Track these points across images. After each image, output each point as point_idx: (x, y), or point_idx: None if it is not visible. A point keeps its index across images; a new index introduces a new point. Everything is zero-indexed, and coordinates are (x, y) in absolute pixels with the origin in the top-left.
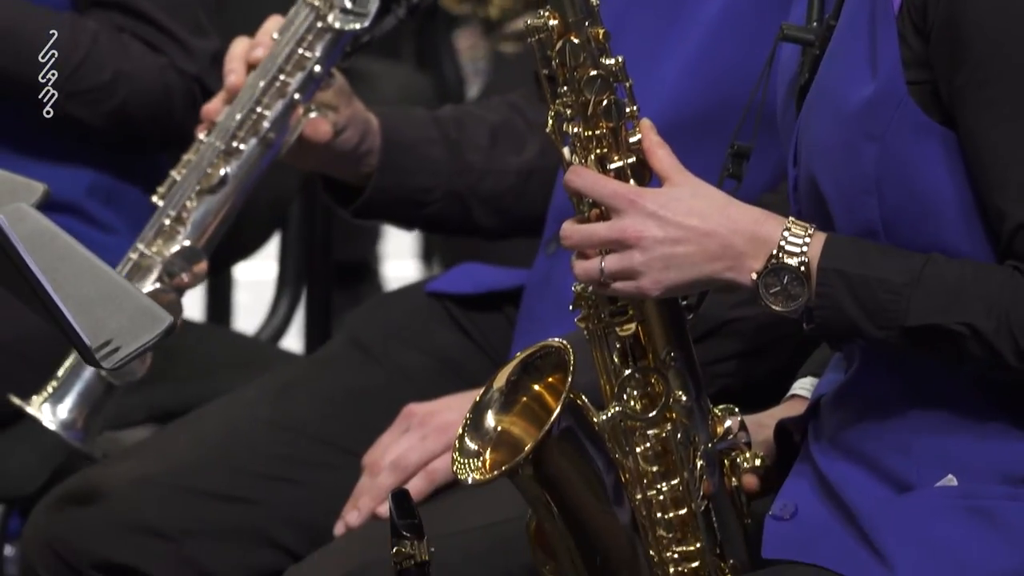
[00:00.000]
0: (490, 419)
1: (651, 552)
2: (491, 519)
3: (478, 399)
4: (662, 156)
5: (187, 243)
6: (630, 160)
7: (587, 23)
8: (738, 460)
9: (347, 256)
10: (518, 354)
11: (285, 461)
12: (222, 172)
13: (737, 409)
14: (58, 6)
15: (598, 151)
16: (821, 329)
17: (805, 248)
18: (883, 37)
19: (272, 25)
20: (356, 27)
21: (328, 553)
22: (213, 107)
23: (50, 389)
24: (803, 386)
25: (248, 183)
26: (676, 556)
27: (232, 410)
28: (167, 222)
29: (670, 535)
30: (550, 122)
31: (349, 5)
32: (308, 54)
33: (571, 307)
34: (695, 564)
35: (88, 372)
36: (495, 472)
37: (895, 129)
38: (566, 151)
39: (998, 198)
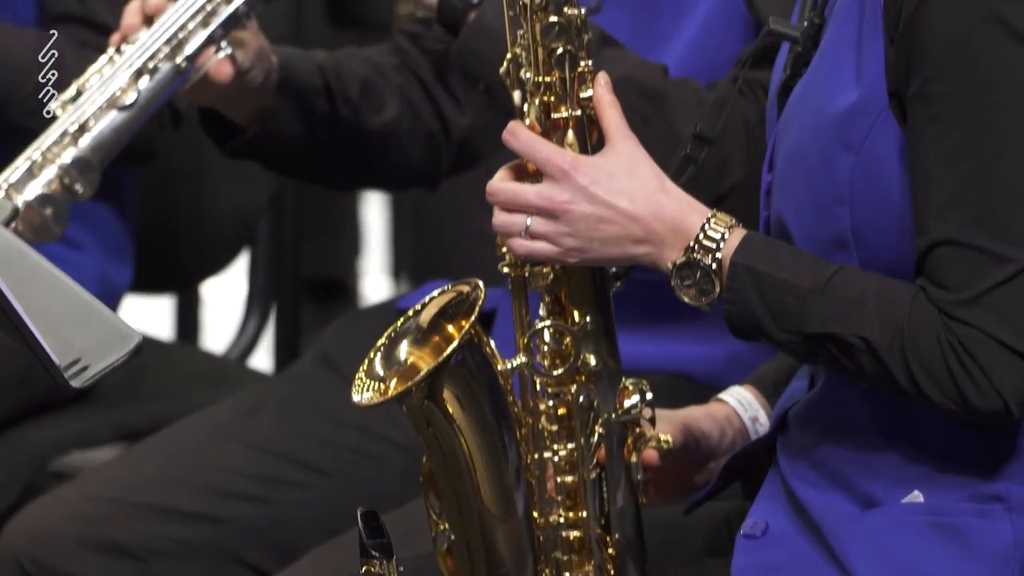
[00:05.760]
0: (403, 350)
1: (535, 513)
2: None
3: (397, 326)
4: (612, 115)
5: (85, 155)
6: (575, 113)
7: None
8: (643, 435)
9: (323, 272)
10: (440, 291)
11: (254, 479)
12: (133, 93)
13: (647, 384)
14: (22, 21)
15: (545, 98)
16: (729, 325)
17: (721, 245)
18: (869, 44)
19: None
20: None
21: (297, 571)
22: (131, 23)
23: None
24: (731, 393)
25: (152, 107)
26: (560, 521)
27: (201, 429)
28: (71, 130)
29: (558, 498)
30: (505, 64)
31: None
32: None
33: (497, 252)
34: (578, 532)
35: None
36: (388, 395)
37: (873, 140)
38: (517, 95)
39: (921, 213)
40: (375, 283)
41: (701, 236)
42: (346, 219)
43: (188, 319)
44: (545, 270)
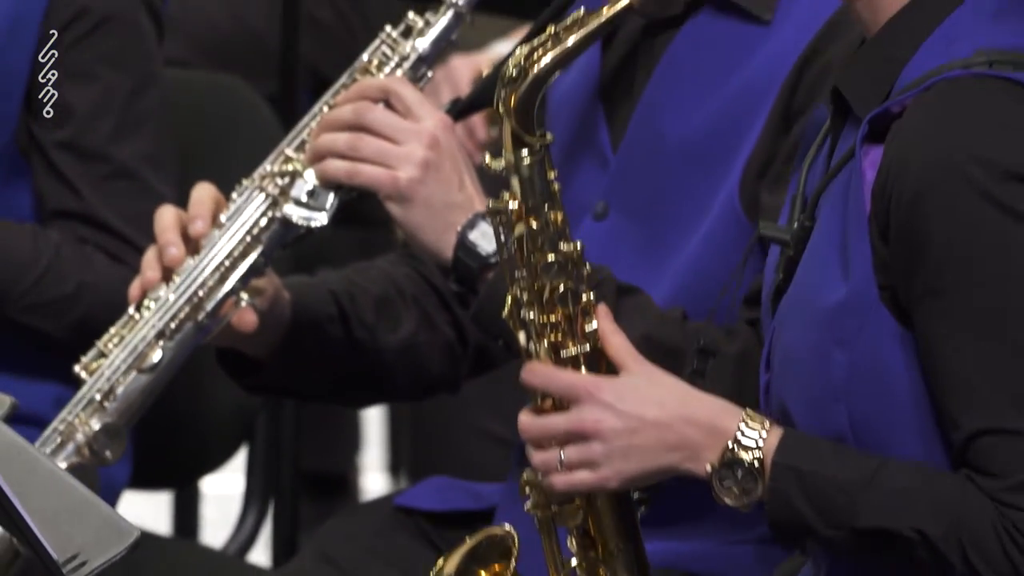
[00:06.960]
0: None
1: None
2: None
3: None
4: (617, 343)
5: (112, 420)
6: (584, 348)
7: (547, 206)
8: None
9: (321, 467)
10: (466, 541)
11: None
12: (158, 354)
13: None
14: (21, 217)
15: (552, 338)
16: (772, 526)
17: (760, 443)
18: (855, 240)
19: (204, 193)
20: (312, 224)
21: None
22: (150, 279)
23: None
24: None
25: (177, 364)
26: None
27: None
28: (97, 397)
29: None
30: (507, 307)
31: (305, 199)
32: (255, 244)
33: (521, 493)
34: None
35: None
36: None
37: (866, 334)
38: (522, 336)
39: (952, 407)
40: (373, 479)
41: (739, 436)
42: (344, 414)
43: (186, 514)
44: (573, 507)
